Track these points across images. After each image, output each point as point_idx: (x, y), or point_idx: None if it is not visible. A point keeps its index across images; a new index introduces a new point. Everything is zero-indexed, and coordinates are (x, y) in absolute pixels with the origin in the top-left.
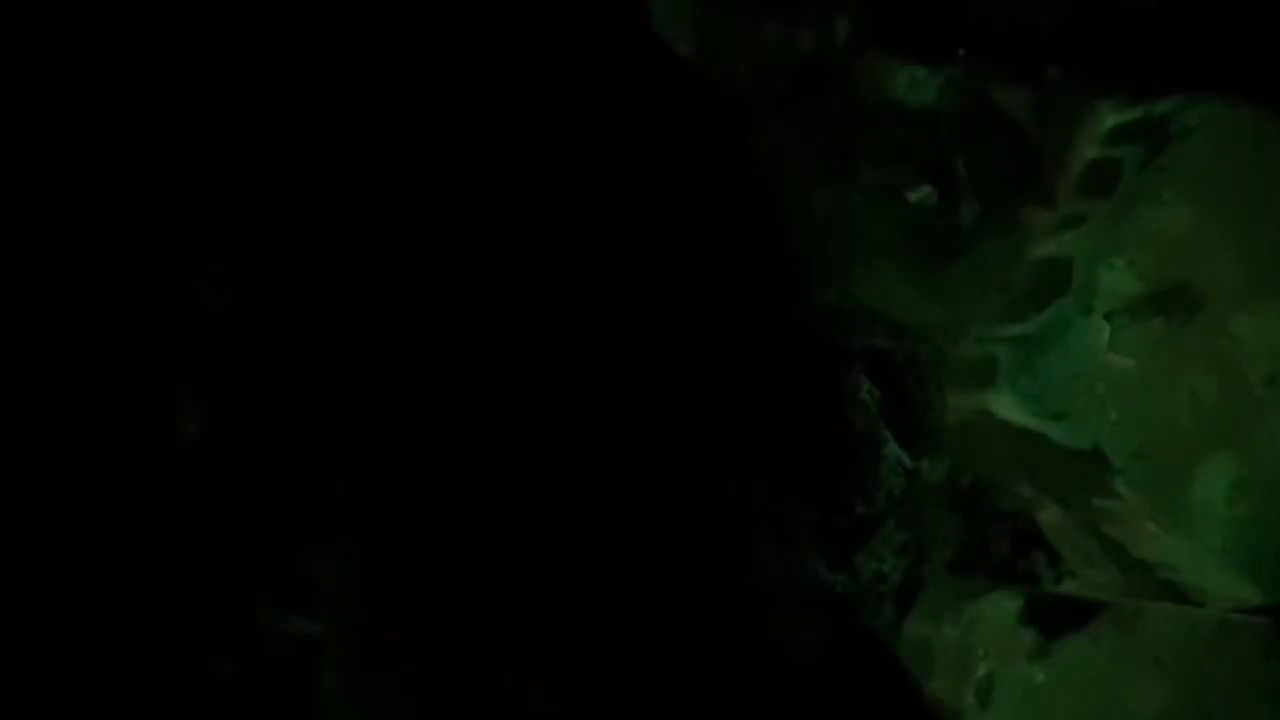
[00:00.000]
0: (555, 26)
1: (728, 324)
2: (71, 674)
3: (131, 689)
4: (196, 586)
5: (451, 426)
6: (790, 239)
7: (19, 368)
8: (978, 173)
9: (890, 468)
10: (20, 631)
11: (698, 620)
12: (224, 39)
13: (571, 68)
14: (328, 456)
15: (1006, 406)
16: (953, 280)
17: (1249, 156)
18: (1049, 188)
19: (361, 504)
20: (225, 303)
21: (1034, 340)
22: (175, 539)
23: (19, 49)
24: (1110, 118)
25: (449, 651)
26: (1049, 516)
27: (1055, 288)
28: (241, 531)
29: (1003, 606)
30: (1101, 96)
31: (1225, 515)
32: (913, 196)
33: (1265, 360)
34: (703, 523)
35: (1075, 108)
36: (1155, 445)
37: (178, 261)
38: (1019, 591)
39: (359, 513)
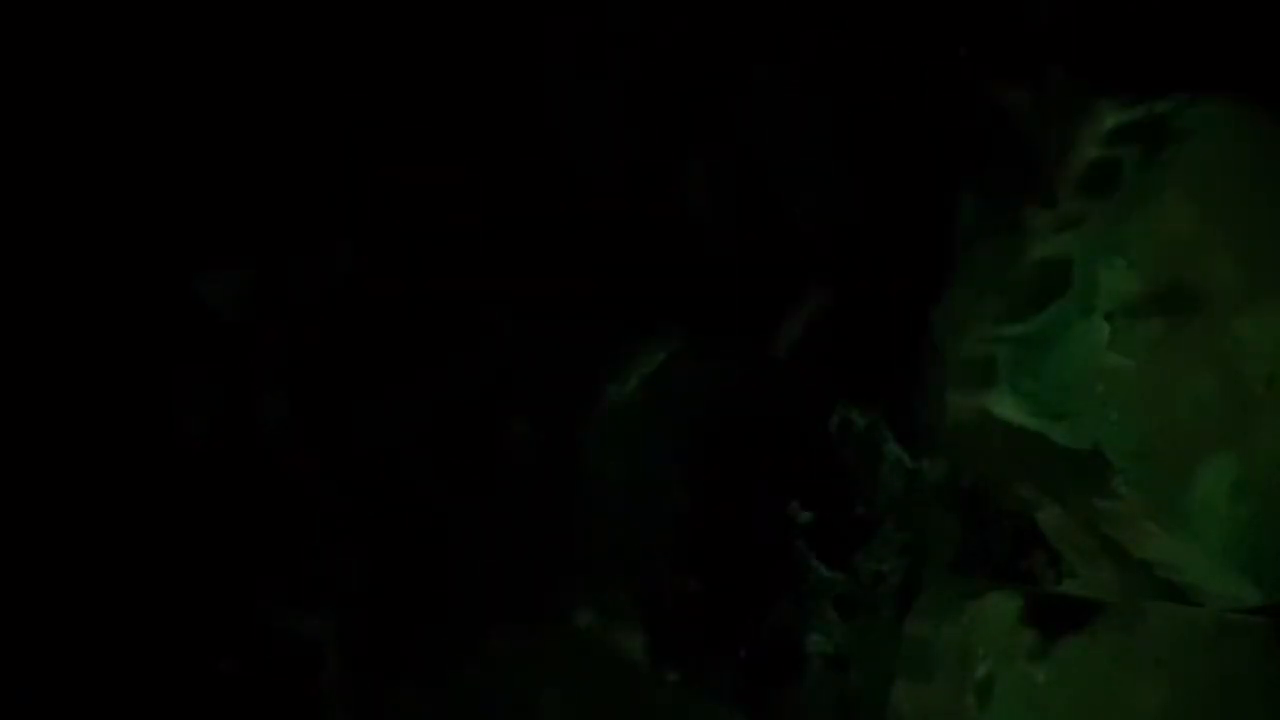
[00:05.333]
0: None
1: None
2: (76, 672)
3: (136, 687)
4: (201, 585)
5: (460, 425)
6: (790, 239)
7: (23, 367)
8: (978, 173)
9: (890, 468)
10: (25, 631)
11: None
12: (226, 38)
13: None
14: (334, 456)
15: (1006, 406)
16: (953, 280)
17: (1249, 156)
18: (1049, 188)
19: (368, 504)
20: (230, 300)
21: (1034, 340)
22: (180, 537)
23: (21, 49)
24: (1110, 118)
25: (453, 654)
26: (1049, 516)
27: (1055, 288)
28: (247, 530)
29: (1003, 606)
30: (1101, 96)
31: (1225, 515)
32: (913, 198)
33: (1265, 360)
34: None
35: (1075, 108)
36: (1155, 445)
37: (181, 260)
38: (1019, 591)
39: (366, 512)
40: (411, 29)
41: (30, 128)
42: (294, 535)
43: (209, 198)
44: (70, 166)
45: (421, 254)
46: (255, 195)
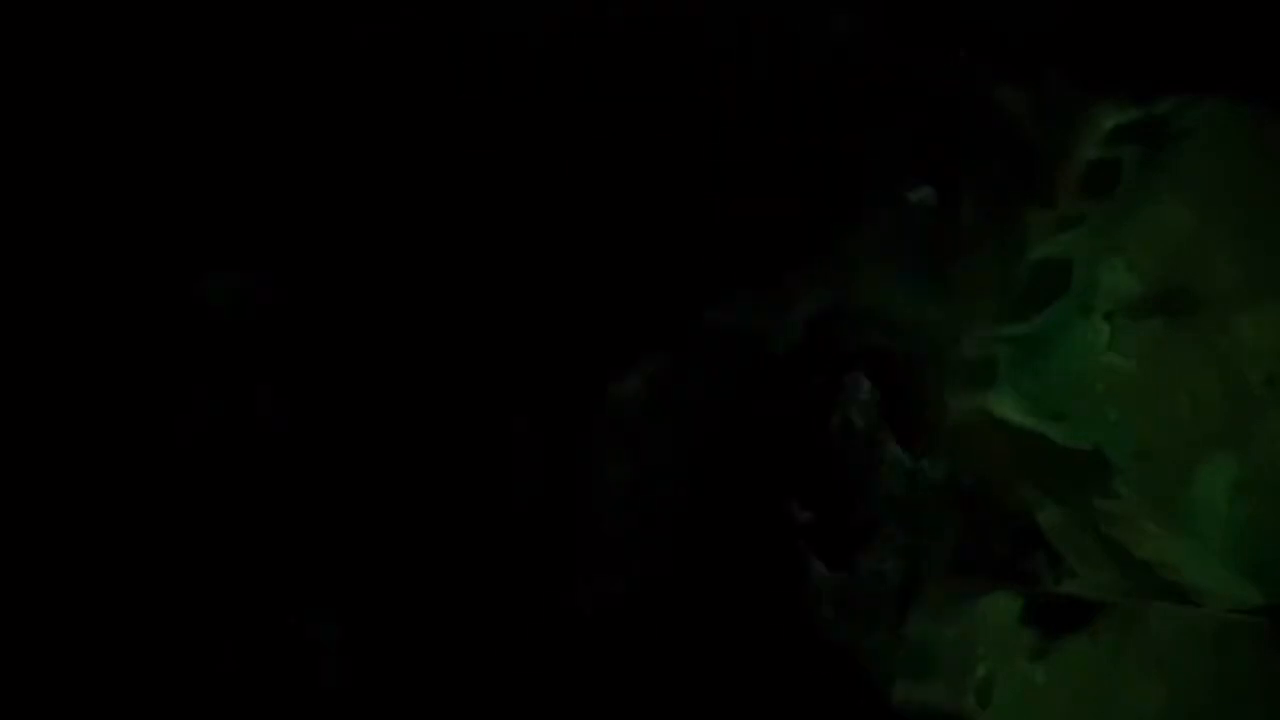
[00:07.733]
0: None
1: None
2: (76, 672)
3: (136, 687)
4: (201, 585)
5: (460, 424)
6: (788, 240)
7: (23, 368)
8: (978, 173)
9: (890, 468)
10: (25, 631)
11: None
12: (226, 39)
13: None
14: (333, 455)
15: (1006, 406)
16: (953, 280)
17: (1249, 156)
18: (1049, 188)
19: (369, 503)
20: (230, 301)
21: (1034, 340)
22: (179, 538)
23: (20, 49)
24: (1110, 118)
25: (458, 654)
26: (1049, 516)
27: (1055, 288)
28: (246, 530)
29: (1003, 606)
30: (1101, 96)
31: (1225, 515)
32: (913, 196)
33: (1265, 360)
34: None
35: (1075, 108)
36: (1155, 445)
37: (182, 261)
38: (1019, 591)
39: (366, 512)
40: (415, 33)
41: (32, 129)
42: (294, 535)
43: (210, 199)
44: (71, 167)
45: (421, 254)
46: (256, 196)
